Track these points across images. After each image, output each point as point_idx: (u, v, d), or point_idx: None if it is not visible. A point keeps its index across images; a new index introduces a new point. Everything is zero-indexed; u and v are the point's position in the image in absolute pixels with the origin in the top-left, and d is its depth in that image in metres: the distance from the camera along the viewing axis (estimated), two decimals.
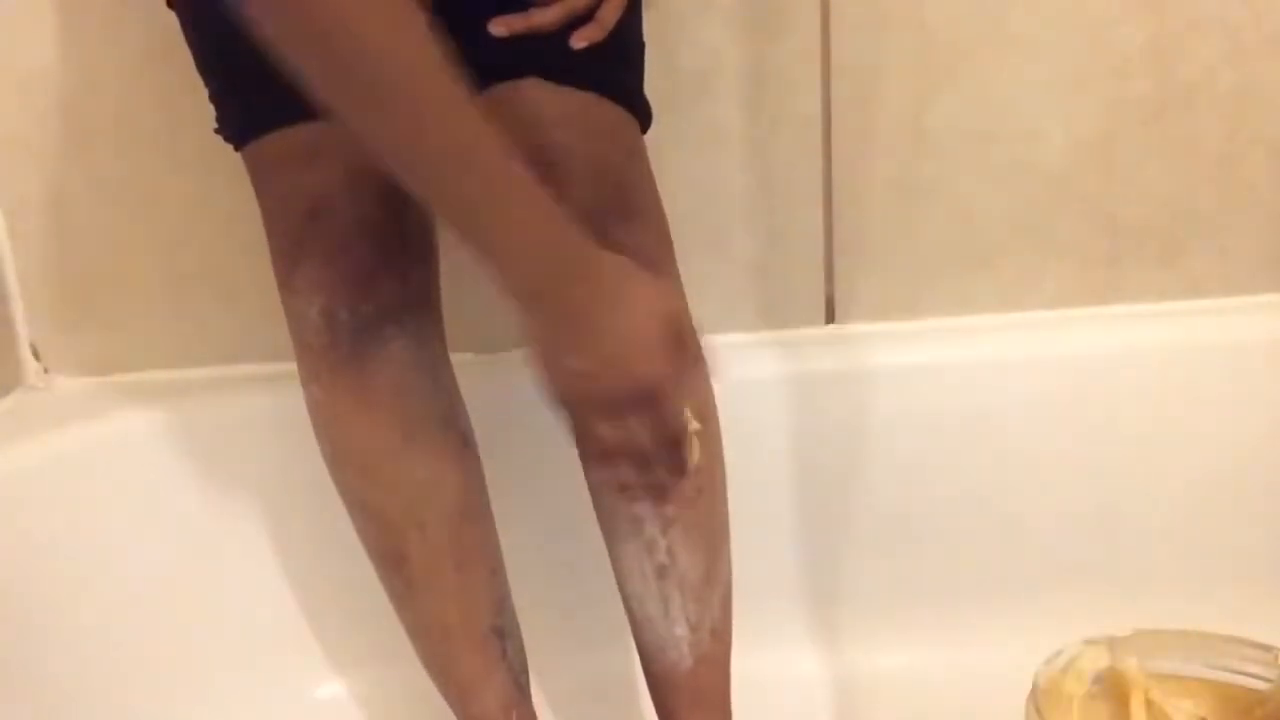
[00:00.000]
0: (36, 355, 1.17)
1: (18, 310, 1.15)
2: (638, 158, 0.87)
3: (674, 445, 0.73)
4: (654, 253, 0.83)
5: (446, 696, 0.91)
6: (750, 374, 1.09)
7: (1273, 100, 1.11)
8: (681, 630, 0.85)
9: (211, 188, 1.11)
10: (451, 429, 0.87)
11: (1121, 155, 1.13)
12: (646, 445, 0.72)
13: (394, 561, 0.87)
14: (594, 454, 0.83)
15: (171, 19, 1.06)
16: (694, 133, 1.09)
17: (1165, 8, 1.09)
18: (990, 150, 1.12)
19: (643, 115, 0.89)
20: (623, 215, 0.82)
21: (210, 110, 0.85)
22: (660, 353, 0.69)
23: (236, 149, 0.85)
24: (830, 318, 1.17)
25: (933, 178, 1.13)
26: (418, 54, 0.59)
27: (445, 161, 0.61)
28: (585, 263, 0.67)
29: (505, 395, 1.05)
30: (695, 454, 0.75)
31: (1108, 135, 1.12)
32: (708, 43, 1.09)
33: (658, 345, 0.68)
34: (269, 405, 1.10)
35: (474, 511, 0.88)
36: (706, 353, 0.77)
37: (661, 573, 0.84)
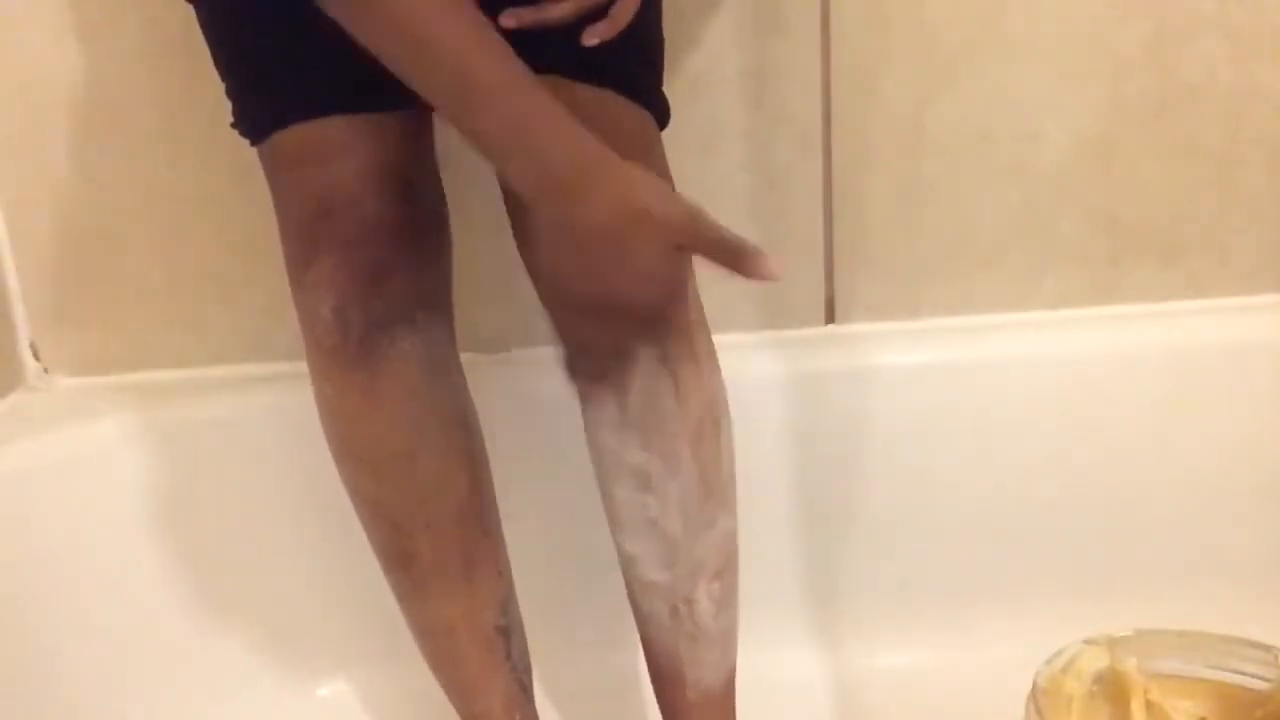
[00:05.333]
0: (36, 355, 1.17)
1: (18, 310, 1.15)
2: (654, 157, 0.85)
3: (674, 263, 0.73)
4: None
5: (450, 695, 0.91)
6: (750, 374, 1.09)
7: (1273, 100, 1.11)
8: (688, 630, 0.85)
9: (211, 188, 1.11)
10: (461, 429, 0.87)
11: (1121, 155, 1.13)
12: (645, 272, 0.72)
13: (402, 560, 0.87)
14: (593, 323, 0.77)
15: (171, 17, 1.07)
16: (694, 132, 1.09)
17: (1165, 8, 1.09)
18: (990, 150, 1.12)
19: (660, 113, 0.88)
20: None
21: (226, 105, 0.85)
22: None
23: (253, 144, 0.85)
24: (830, 318, 1.17)
25: (933, 178, 1.13)
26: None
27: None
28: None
29: (509, 395, 1.06)
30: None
31: (1108, 135, 1.12)
32: (708, 42, 1.09)
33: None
34: (269, 405, 1.09)
35: (482, 511, 0.88)
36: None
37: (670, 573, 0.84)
